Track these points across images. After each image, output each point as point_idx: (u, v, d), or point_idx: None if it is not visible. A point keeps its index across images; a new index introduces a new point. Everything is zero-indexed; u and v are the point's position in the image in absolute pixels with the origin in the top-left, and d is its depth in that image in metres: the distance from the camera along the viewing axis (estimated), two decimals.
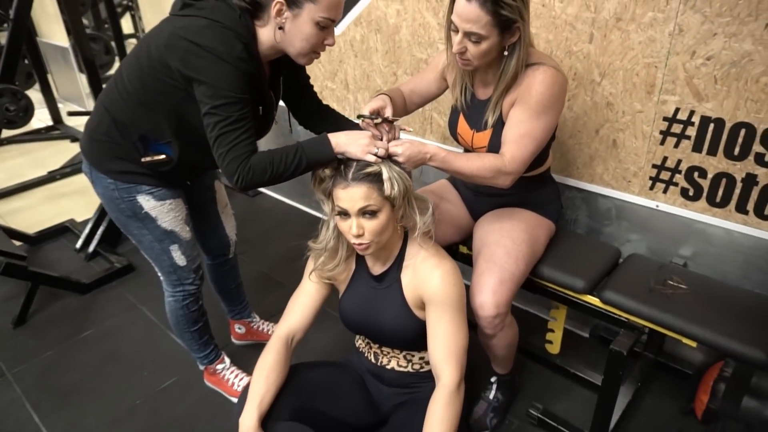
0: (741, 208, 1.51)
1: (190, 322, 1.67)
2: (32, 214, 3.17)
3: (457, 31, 1.29)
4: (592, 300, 1.51)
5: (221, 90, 1.17)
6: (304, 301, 1.44)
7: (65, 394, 1.86)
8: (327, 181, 1.25)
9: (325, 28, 1.22)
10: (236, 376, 1.81)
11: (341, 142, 1.22)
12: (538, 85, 1.31)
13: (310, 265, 1.42)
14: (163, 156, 1.36)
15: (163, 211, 1.46)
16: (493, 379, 1.68)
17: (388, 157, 1.23)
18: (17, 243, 2.70)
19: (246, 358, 1.91)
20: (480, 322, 1.44)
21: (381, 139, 1.27)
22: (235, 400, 1.78)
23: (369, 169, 1.19)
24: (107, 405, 1.81)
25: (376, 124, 1.30)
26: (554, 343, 1.78)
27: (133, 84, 1.28)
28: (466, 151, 1.58)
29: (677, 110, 1.52)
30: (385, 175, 1.20)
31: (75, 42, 3.44)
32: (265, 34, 1.24)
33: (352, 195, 1.19)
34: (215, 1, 1.21)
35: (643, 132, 1.61)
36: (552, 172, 1.83)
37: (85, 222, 2.81)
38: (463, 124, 1.53)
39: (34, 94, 4.26)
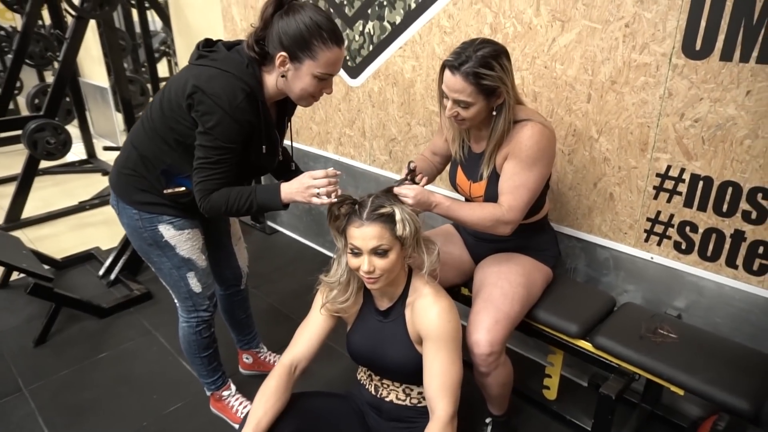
0: (731, 263, 1.58)
1: (202, 347, 1.76)
2: (60, 241, 3.33)
3: (448, 97, 1.42)
4: (585, 345, 1.56)
5: (212, 134, 1.34)
6: (310, 332, 1.51)
7: (77, 412, 1.94)
8: (341, 219, 1.35)
9: (323, 80, 1.37)
10: (241, 403, 1.88)
11: (290, 191, 1.39)
12: (526, 140, 1.43)
13: (319, 298, 1.51)
14: (183, 188, 1.49)
15: (181, 239, 1.58)
16: (487, 420, 1.72)
17: (398, 200, 1.35)
18: (45, 267, 2.84)
19: (252, 388, 1.95)
20: (475, 360, 1.50)
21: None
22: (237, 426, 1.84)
23: (382, 210, 1.29)
24: (116, 425, 1.88)
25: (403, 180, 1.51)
26: (551, 389, 1.81)
27: (156, 123, 1.44)
28: (466, 200, 1.69)
29: (669, 167, 1.62)
30: (398, 216, 1.29)
31: (115, 83, 3.69)
32: (271, 80, 1.40)
33: (365, 234, 1.28)
34: (227, 51, 1.38)
35: (638, 186, 1.70)
36: (553, 221, 1.93)
37: (110, 250, 2.95)
38: (461, 176, 1.65)
39: (72, 130, 4.53)
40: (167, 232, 1.56)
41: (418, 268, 1.44)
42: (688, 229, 1.63)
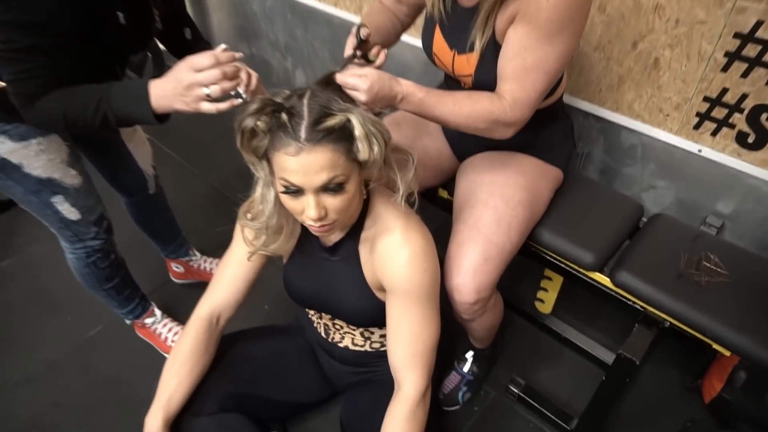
0: None
1: (102, 279, 1.36)
2: None
3: None
4: (602, 279, 1.18)
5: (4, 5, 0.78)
6: (233, 271, 1.12)
7: None
8: (261, 137, 0.82)
9: None
10: (169, 329, 1.54)
11: (163, 94, 0.86)
12: None
13: (238, 230, 1.07)
14: (4, 83, 0.93)
15: (28, 154, 1.06)
16: (468, 354, 1.41)
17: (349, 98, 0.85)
18: None
19: (191, 300, 1.62)
20: (456, 307, 1.13)
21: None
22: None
23: (331, 122, 0.78)
24: (21, 359, 1.55)
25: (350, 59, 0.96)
26: (546, 303, 1.49)
27: None
28: (447, 77, 1.15)
29: (758, 24, 1.06)
30: (358, 130, 0.79)
31: None
32: None
33: (308, 165, 0.78)
34: None
35: (701, 52, 1.16)
36: (565, 93, 1.41)
37: None
38: (440, 41, 1.08)
39: None
40: (2, 146, 1.04)
41: (386, 188, 0.98)
42: (765, 117, 1.14)
